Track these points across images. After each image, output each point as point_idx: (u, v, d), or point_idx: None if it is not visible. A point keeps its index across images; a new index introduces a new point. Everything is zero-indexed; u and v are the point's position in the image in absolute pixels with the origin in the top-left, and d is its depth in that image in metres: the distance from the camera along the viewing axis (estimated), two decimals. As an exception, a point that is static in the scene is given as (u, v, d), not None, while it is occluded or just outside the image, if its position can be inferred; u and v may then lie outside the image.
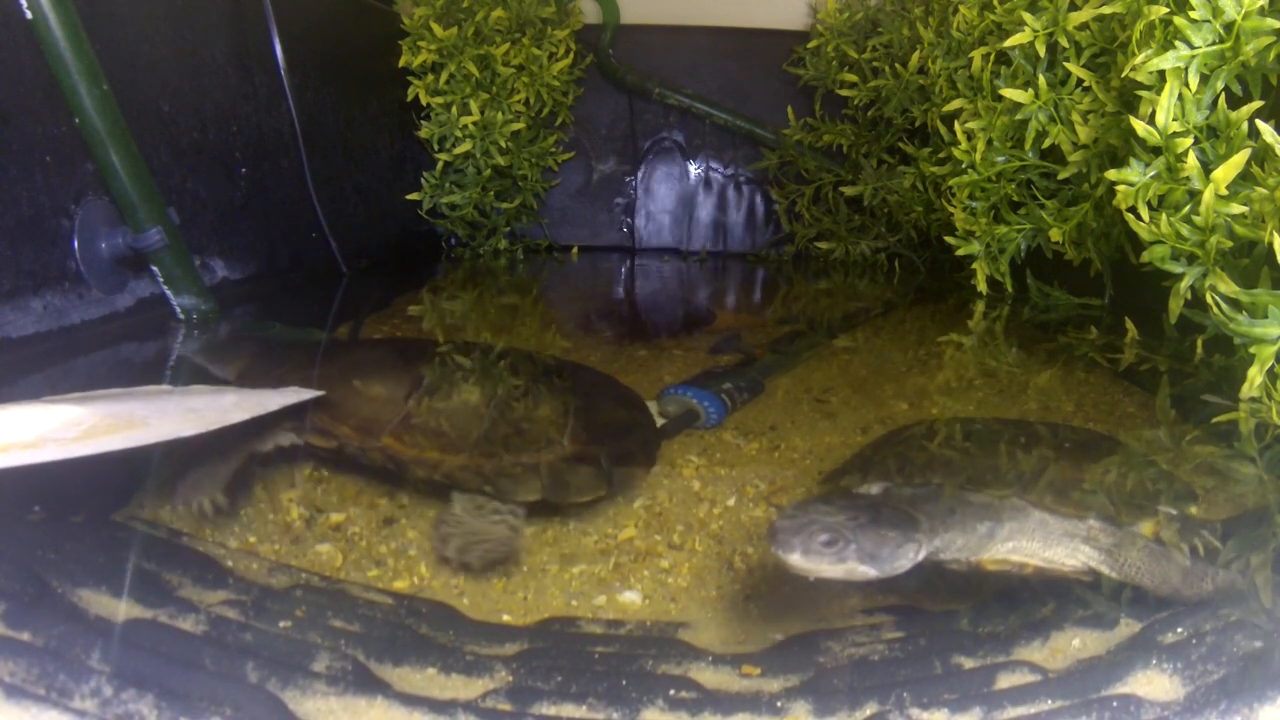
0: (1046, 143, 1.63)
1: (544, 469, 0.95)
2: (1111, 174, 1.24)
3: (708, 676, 0.69)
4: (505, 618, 0.80)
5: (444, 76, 2.33)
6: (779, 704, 0.62)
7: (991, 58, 1.74)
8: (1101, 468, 0.86)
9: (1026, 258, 1.82)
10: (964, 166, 1.77)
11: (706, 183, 2.80)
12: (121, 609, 0.69)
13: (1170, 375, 1.33)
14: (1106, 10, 1.40)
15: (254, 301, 1.76)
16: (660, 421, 1.20)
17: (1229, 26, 1.10)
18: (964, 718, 0.59)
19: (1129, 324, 1.54)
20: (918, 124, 2.22)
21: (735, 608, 0.83)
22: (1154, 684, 0.60)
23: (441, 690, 0.65)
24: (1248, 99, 1.12)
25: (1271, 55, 1.09)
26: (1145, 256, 1.20)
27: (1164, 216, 1.16)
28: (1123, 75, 1.25)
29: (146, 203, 1.43)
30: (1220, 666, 0.61)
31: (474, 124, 2.35)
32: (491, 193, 2.51)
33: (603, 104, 2.75)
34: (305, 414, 1.02)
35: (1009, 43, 1.62)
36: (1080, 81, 1.55)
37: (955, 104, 1.83)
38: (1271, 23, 1.06)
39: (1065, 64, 1.56)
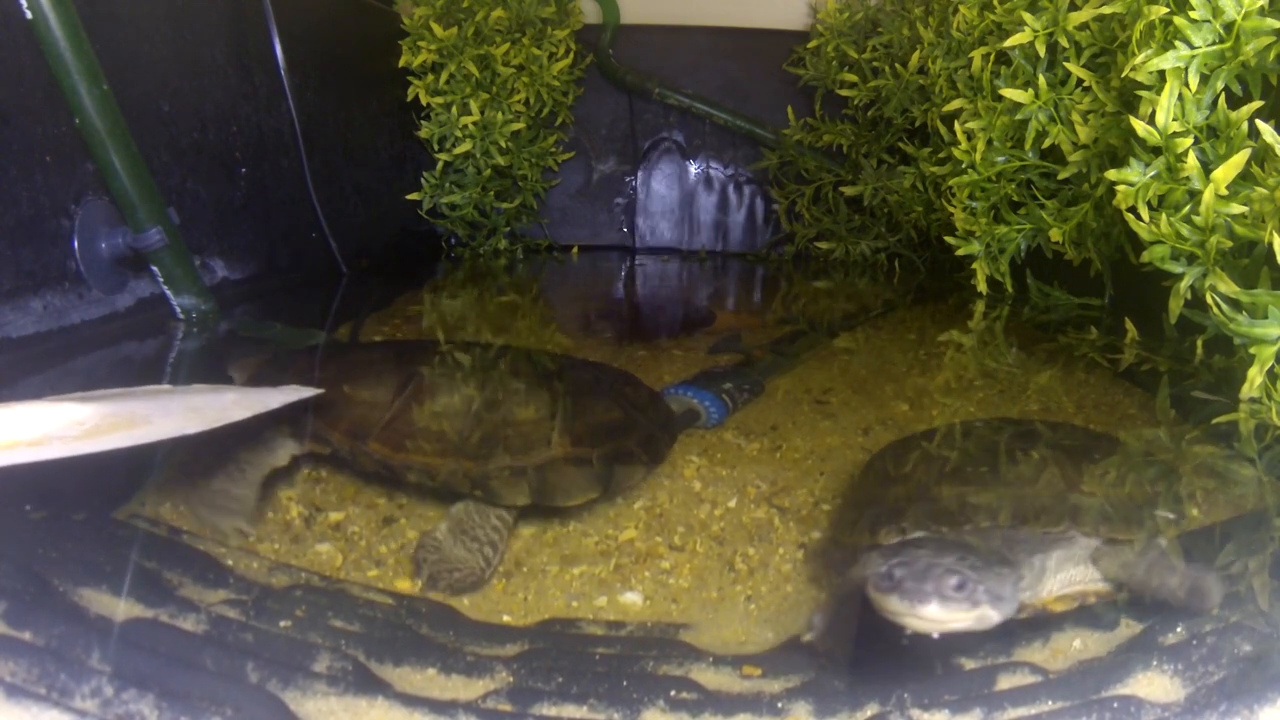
0: (1046, 143, 1.63)
1: (532, 472, 0.94)
2: (1111, 174, 1.24)
3: (709, 677, 0.69)
4: (506, 618, 0.81)
5: (444, 76, 2.33)
6: (780, 705, 0.62)
7: (991, 58, 1.74)
8: (1112, 473, 0.85)
9: (1026, 258, 1.82)
10: (964, 166, 1.77)
11: (706, 183, 2.80)
12: (122, 608, 0.69)
13: (1170, 376, 1.33)
14: (1106, 10, 1.40)
15: (254, 301, 1.76)
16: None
17: (1229, 26, 1.10)
18: (964, 718, 0.59)
19: (1129, 324, 1.54)
20: (918, 124, 2.22)
21: (736, 609, 0.83)
22: (1154, 685, 0.60)
23: (442, 691, 0.65)
24: (1248, 99, 1.11)
25: (1271, 55, 1.09)
26: (1145, 256, 1.20)
27: (1164, 216, 1.16)
28: (1123, 75, 1.25)
29: (146, 203, 1.43)
30: (1220, 668, 0.61)
31: (474, 124, 2.35)
32: (491, 193, 2.51)
33: (603, 104, 2.75)
34: (307, 421, 1.02)
35: (1009, 43, 1.62)
36: (1080, 81, 1.55)
37: (955, 104, 1.83)
38: (1271, 23, 1.06)
39: (1065, 64, 1.56)
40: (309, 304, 1.90)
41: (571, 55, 2.49)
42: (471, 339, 1.69)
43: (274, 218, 1.93)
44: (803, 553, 0.92)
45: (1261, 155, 1.07)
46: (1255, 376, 1.03)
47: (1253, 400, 1.06)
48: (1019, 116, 1.64)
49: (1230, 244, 1.10)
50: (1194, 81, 1.13)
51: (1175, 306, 1.20)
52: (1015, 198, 1.77)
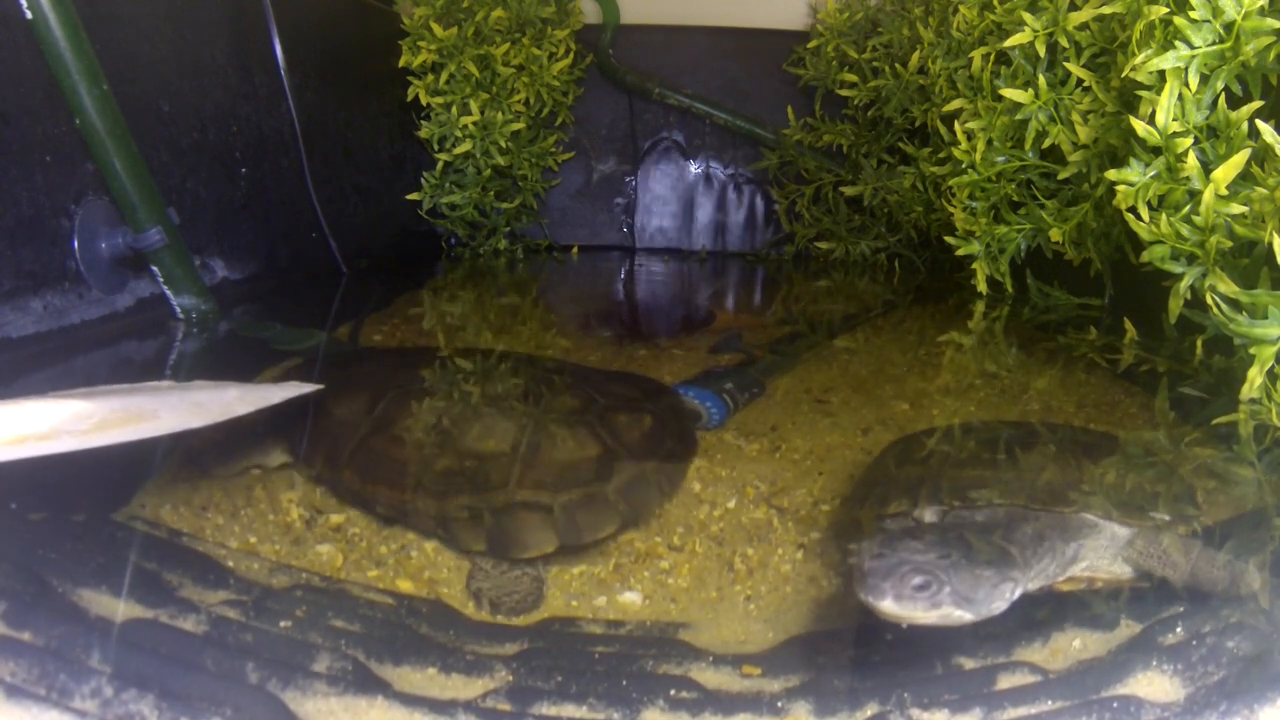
0: (1046, 143, 1.63)
1: (489, 515, 0.88)
2: (1111, 174, 1.24)
3: (708, 677, 0.69)
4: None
5: (444, 76, 2.33)
6: (779, 704, 0.62)
7: (991, 58, 1.74)
8: (1122, 470, 0.86)
9: (1026, 258, 1.82)
10: (964, 166, 1.77)
11: (706, 183, 2.80)
12: (122, 609, 0.69)
13: (1170, 376, 1.33)
14: (1106, 10, 1.40)
15: (254, 301, 1.76)
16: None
17: (1229, 26, 1.10)
18: (964, 718, 0.59)
19: (1129, 324, 1.54)
20: (918, 124, 2.22)
21: (735, 608, 0.83)
22: (1154, 685, 0.60)
23: (442, 690, 0.65)
24: (1248, 99, 1.11)
25: (1271, 55, 1.09)
26: (1145, 256, 1.20)
27: (1164, 216, 1.16)
28: (1123, 75, 1.25)
29: (146, 203, 1.43)
30: (1220, 668, 0.61)
31: (474, 124, 2.35)
32: (491, 193, 2.51)
33: (603, 104, 2.75)
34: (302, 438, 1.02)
35: (1009, 43, 1.62)
36: (1080, 81, 1.55)
37: (955, 104, 1.83)
38: (1271, 23, 1.06)
39: (1065, 64, 1.56)
40: (309, 304, 1.91)
41: (571, 55, 2.49)
42: (471, 341, 1.69)
43: (274, 218, 1.93)
44: (802, 553, 0.92)
45: (1261, 155, 1.07)
46: (1255, 377, 1.03)
47: (1253, 401, 1.06)
48: (1019, 116, 1.64)
49: (1230, 244, 1.10)
50: (1194, 81, 1.13)
51: (1175, 306, 1.20)
52: (1015, 198, 1.77)
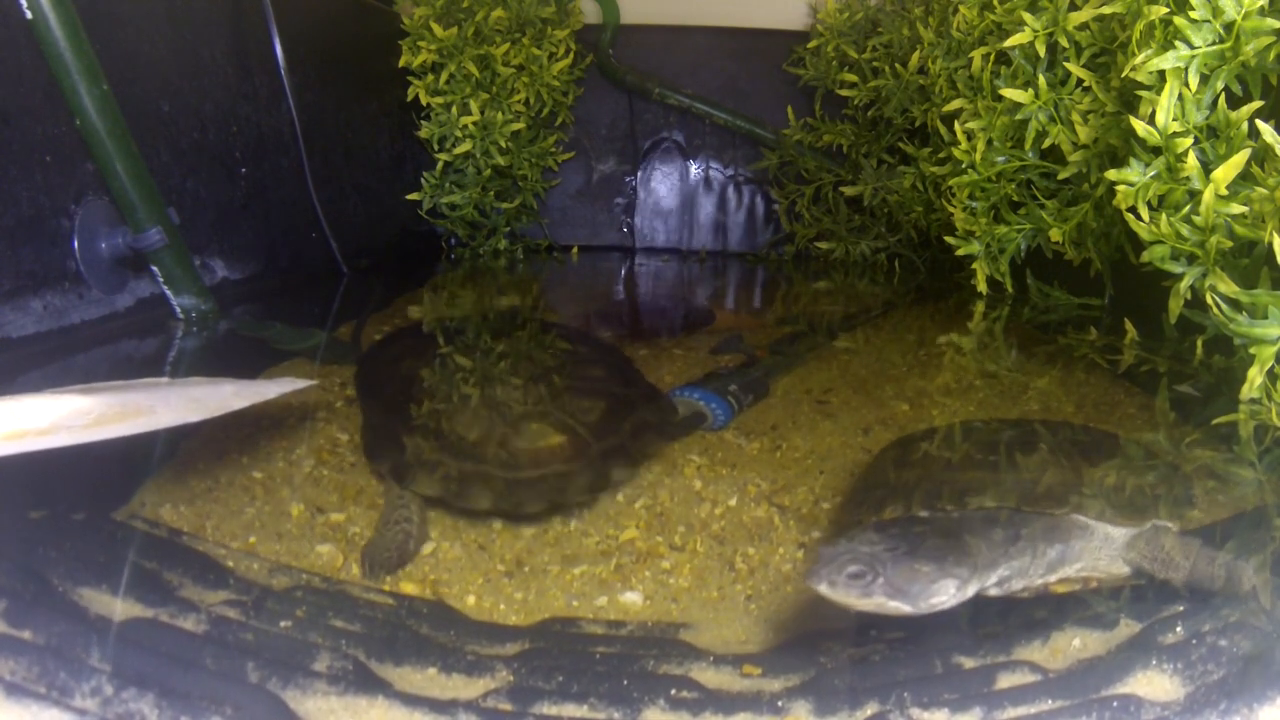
0: (1046, 143, 1.63)
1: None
2: (1111, 174, 1.24)
3: (709, 676, 0.69)
4: (507, 618, 0.81)
5: (444, 76, 2.33)
6: (780, 704, 0.62)
7: (991, 58, 1.74)
8: (1118, 471, 0.86)
9: (1026, 258, 1.82)
10: (964, 166, 1.77)
11: (706, 183, 2.80)
12: (122, 608, 0.69)
13: (1170, 376, 1.33)
14: (1106, 10, 1.40)
15: (254, 301, 1.76)
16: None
17: (1229, 26, 1.10)
18: (964, 717, 0.59)
19: (1129, 324, 1.54)
20: (918, 124, 2.22)
21: (736, 608, 0.83)
22: (1154, 684, 0.60)
23: (442, 690, 0.65)
24: (1248, 99, 1.11)
25: (1271, 55, 1.09)
26: (1145, 256, 1.20)
27: (1164, 216, 1.16)
28: (1123, 75, 1.25)
29: (146, 203, 1.43)
30: (1220, 667, 0.61)
31: (474, 124, 2.35)
32: (491, 193, 2.51)
33: (603, 104, 2.75)
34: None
35: (1009, 43, 1.62)
36: (1080, 81, 1.55)
37: (955, 104, 1.83)
38: (1271, 23, 1.06)
39: (1065, 64, 1.56)
40: (309, 304, 1.91)
41: (571, 55, 2.49)
42: (471, 341, 1.69)
43: (274, 218, 1.93)
44: (803, 552, 0.92)
45: (1261, 155, 1.07)
46: (1255, 377, 1.03)
47: (1253, 401, 1.06)
48: (1019, 116, 1.64)
49: (1230, 244, 1.10)
50: (1194, 81, 1.13)
51: (1175, 306, 1.20)
52: (1015, 198, 1.77)
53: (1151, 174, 1.19)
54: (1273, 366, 1.02)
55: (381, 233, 2.40)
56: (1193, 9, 1.11)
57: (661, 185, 2.82)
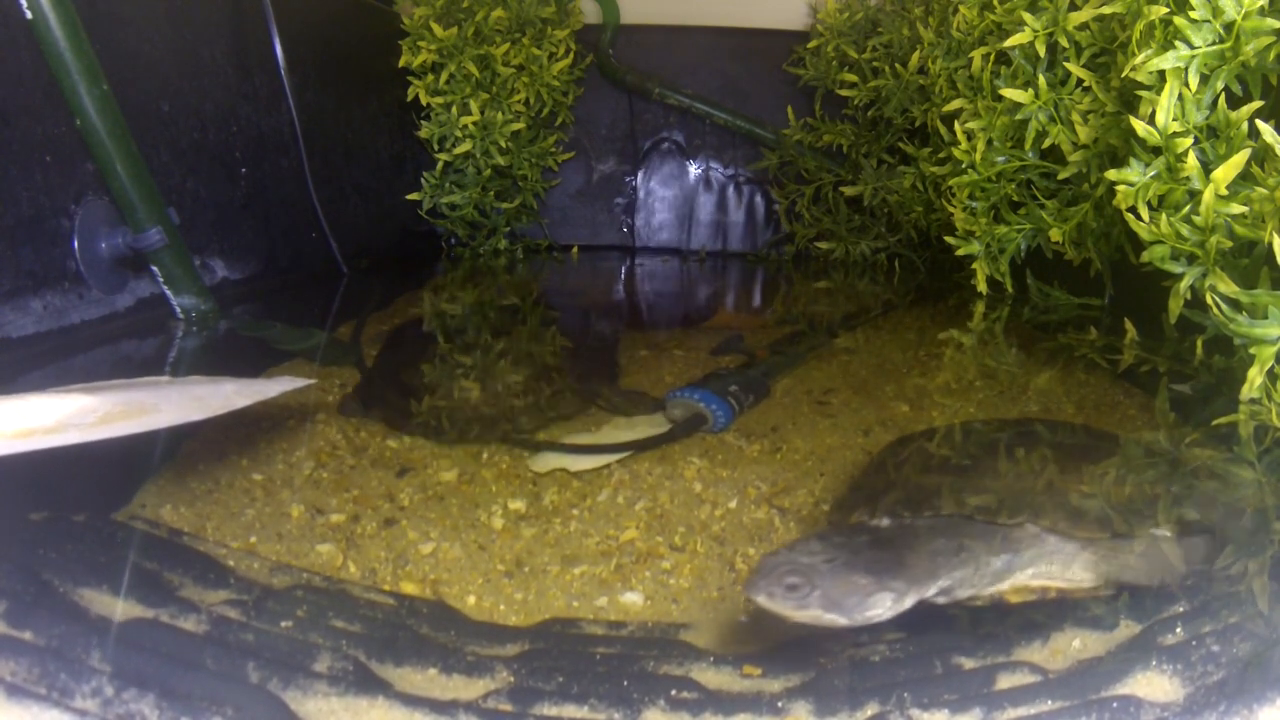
0: (1046, 143, 1.63)
1: None
2: (1111, 174, 1.24)
3: (709, 677, 0.69)
4: (507, 618, 0.81)
5: (444, 76, 2.33)
6: (780, 704, 0.62)
7: (991, 58, 1.74)
8: (1107, 474, 0.86)
9: (1026, 258, 1.82)
10: (964, 166, 1.77)
11: (706, 183, 2.80)
12: (122, 608, 0.69)
13: (1170, 376, 1.33)
14: (1106, 10, 1.40)
15: (254, 301, 1.76)
16: (667, 426, 1.20)
17: (1229, 26, 1.10)
18: (964, 718, 0.59)
19: (1129, 324, 1.54)
20: (918, 124, 2.22)
21: (736, 609, 0.83)
22: (1154, 685, 0.61)
23: (443, 691, 0.65)
24: (1248, 99, 1.11)
25: (1271, 55, 1.09)
26: (1145, 256, 1.20)
27: (1164, 216, 1.16)
28: (1123, 75, 1.25)
29: (146, 203, 1.43)
30: (1220, 668, 0.61)
31: (474, 124, 2.35)
32: (491, 193, 2.51)
33: (603, 104, 2.75)
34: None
35: (1009, 43, 1.62)
36: (1080, 81, 1.55)
37: (955, 104, 1.83)
38: (1271, 23, 1.06)
39: (1065, 64, 1.56)
40: (309, 304, 1.91)
41: (571, 55, 2.49)
42: (472, 340, 1.69)
43: (274, 218, 1.93)
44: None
45: (1261, 155, 1.07)
46: (1255, 377, 1.03)
47: (1253, 401, 1.06)
48: (1019, 116, 1.64)
49: (1230, 244, 1.10)
50: (1194, 81, 1.13)
51: (1175, 306, 1.21)
52: (1015, 198, 1.77)
53: (1151, 174, 1.19)
54: (1273, 366, 1.02)
55: (381, 233, 2.40)
56: (1193, 9, 1.11)
57: (661, 185, 2.82)
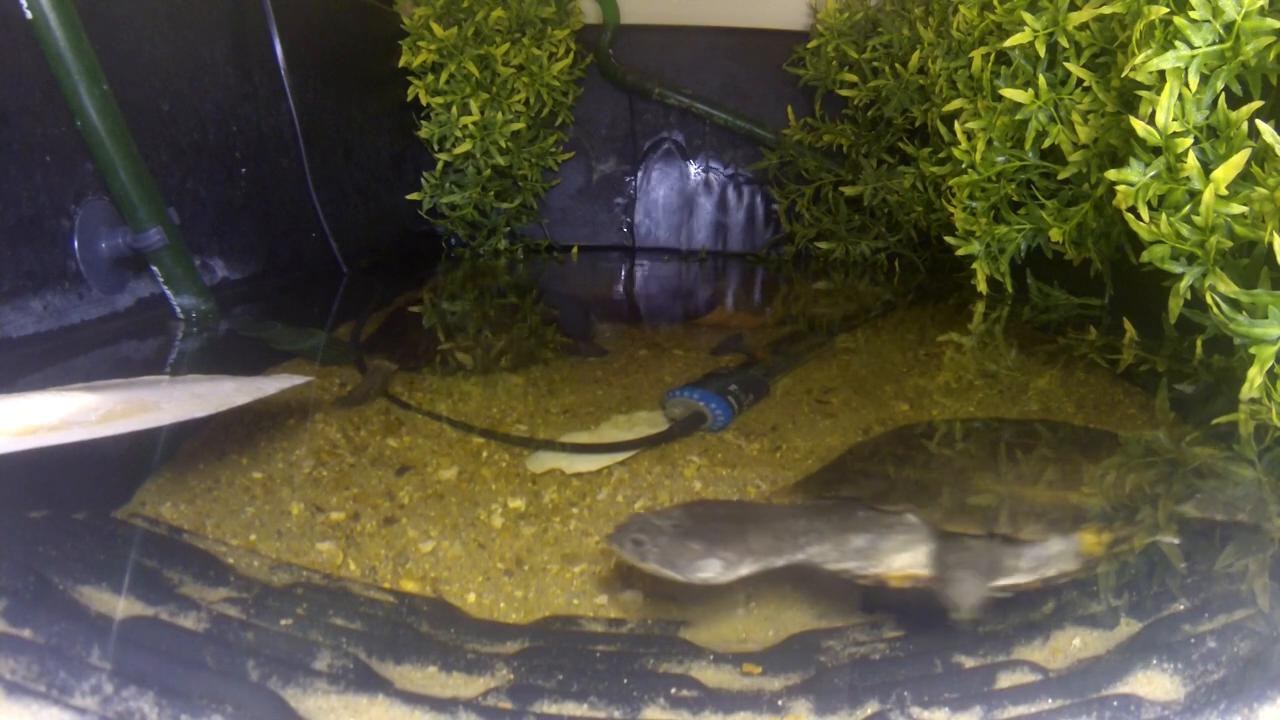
0: (1046, 143, 1.63)
1: None
2: (1111, 174, 1.24)
3: (709, 675, 0.69)
4: (507, 616, 0.81)
5: (444, 76, 2.33)
6: (780, 702, 0.62)
7: (991, 58, 1.74)
8: (1029, 475, 0.87)
9: (1026, 258, 1.82)
10: (964, 166, 1.77)
11: (706, 183, 2.80)
12: (122, 606, 0.69)
13: (1170, 376, 1.33)
14: (1106, 10, 1.40)
15: (254, 301, 1.76)
16: (666, 425, 1.20)
17: (1229, 26, 1.10)
18: (964, 717, 0.59)
19: (1129, 324, 1.54)
20: (918, 124, 2.22)
21: (736, 607, 0.83)
22: (1154, 684, 0.60)
23: (443, 688, 0.65)
24: (1248, 99, 1.12)
25: (1271, 55, 1.09)
26: (1145, 256, 1.20)
27: (1164, 216, 1.16)
28: (1123, 75, 1.26)
29: (146, 203, 1.43)
30: (1220, 667, 0.61)
31: (474, 124, 2.35)
32: (491, 193, 2.51)
33: (603, 104, 2.75)
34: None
35: (1009, 43, 1.62)
36: (1080, 81, 1.55)
37: (955, 104, 1.83)
38: (1271, 23, 1.06)
39: (1065, 64, 1.56)
40: (309, 304, 1.91)
41: (571, 55, 2.49)
42: (473, 339, 1.69)
43: (274, 218, 1.93)
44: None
45: (1261, 155, 1.07)
46: (1255, 377, 1.03)
47: (1253, 400, 1.06)
48: (1019, 116, 1.64)
49: (1230, 244, 1.10)
50: (1194, 81, 1.13)
51: (1175, 306, 1.21)
52: (1015, 198, 1.77)
53: (1151, 174, 1.19)
54: (1273, 366, 1.02)
55: (381, 233, 2.40)
56: (1193, 9, 1.11)
57: (661, 185, 2.82)
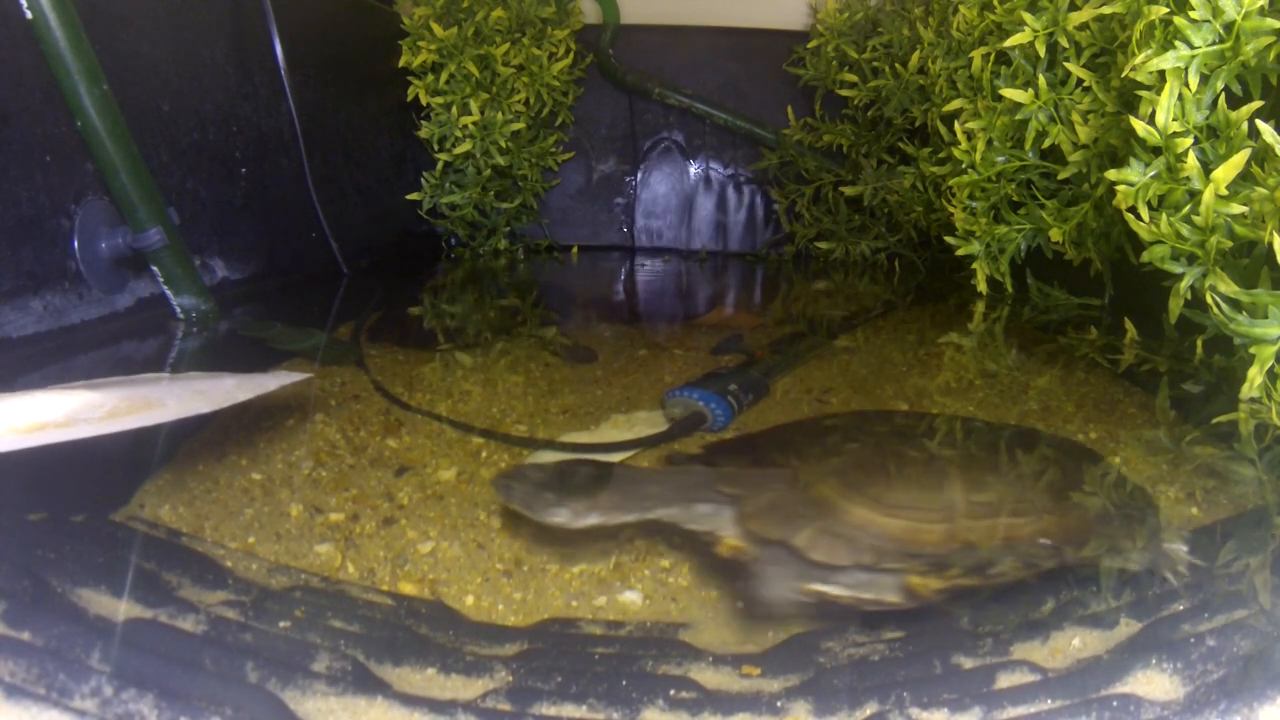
0: (1046, 143, 1.63)
1: None
2: (1111, 174, 1.24)
3: (708, 677, 0.69)
4: (506, 618, 0.81)
5: (444, 76, 2.33)
6: (779, 704, 0.62)
7: (991, 58, 1.74)
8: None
9: (1026, 258, 1.82)
10: (964, 166, 1.77)
11: (706, 183, 2.80)
12: (121, 609, 0.69)
13: (1170, 376, 1.33)
14: (1106, 10, 1.40)
15: (254, 301, 1.76)
16: (665, 425, 1.20)
17: (1229, 26, 1.10)
18: (964, 717, 0.59)
19: (1129, 324, 1.54)
20: (918, 124, 2.22)
21: (735, 608, 0.83)
22: (1154, 684, 0.60)
23: (441, 690, 0.65)
24: (1248, 99, 1.11)
25: (1271, 55, 1.09)
26: (1145, 256, 1.20)
27: (1164, 216, 1.16)
28: (1123, 75, 1.25)
29: (146, 203, 1.43)
30: (1220, 666, 0.61)
31: (474, 124, 2.35)
32: (491, 193, 2.51)
33: (603, 104, 2.75)
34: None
35: (1009, 43, 1.62)
36: (1080, 81, 1.55)
37: (955, 104, 1.83)
38: (1271, 23, 1.06)
39: (1065, 64, 1.56)
40: (309, 304, 1.91)
41: (571, 55, 2.49)
42: (471, 339, 1.69)
43: (274, 218, 1.93)
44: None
45: (1261, 155, 1.07)
46: (1255, 376, 1.03)
47: (1253, 400, 1.06)
48: (1019, 116, 1.64)
49: (1230, 244, 1.10)
50: (1194, 81, 1.13)
51: (1175, 306, 1.20)
52: (1015, 198, 1.77)
53: (1151, 174, 1.19)
54: (1273, 366, 1.02)
55: (381, 233, 2.40)
56: (1193, 9, 1.11)
57: (661, 185, 2.82)
